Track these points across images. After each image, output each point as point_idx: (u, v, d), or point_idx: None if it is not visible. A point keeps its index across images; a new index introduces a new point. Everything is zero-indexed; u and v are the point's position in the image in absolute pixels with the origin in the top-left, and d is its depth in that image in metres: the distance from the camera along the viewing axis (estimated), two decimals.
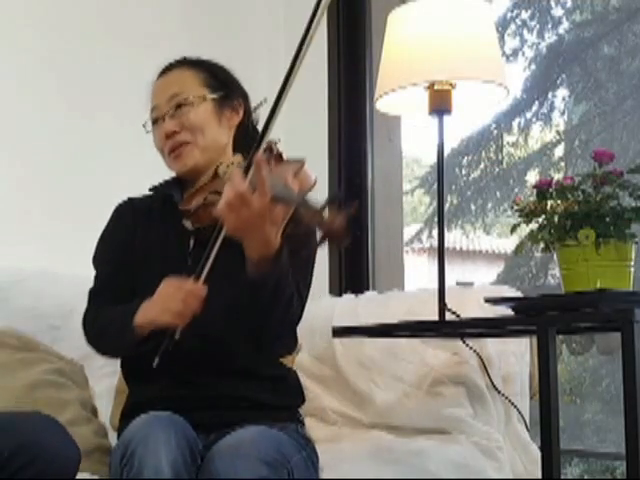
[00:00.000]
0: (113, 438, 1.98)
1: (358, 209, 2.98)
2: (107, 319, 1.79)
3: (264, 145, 1.63)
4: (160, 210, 1.89)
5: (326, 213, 1.48)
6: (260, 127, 1.75)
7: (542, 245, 1.86)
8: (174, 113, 1.86)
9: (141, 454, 1.46)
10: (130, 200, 1.96)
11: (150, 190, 1.94)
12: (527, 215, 1.86)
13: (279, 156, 1.70)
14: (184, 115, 1.86)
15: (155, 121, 1.89)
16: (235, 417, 1.67)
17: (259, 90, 1.96)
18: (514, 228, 1.94)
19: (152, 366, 1.69)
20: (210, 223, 1.66)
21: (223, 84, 1.92)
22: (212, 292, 1.64)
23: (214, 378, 1.75)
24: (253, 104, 1.96)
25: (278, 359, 1.87)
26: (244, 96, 1.96)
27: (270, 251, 1.57)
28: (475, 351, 2.16)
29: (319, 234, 1.48)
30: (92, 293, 1.88)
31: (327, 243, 1.50)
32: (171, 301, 1.63)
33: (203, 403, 1.72)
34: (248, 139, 1.91)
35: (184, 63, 1.94)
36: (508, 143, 3.38)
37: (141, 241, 1.87)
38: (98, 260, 1.91)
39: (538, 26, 3.20)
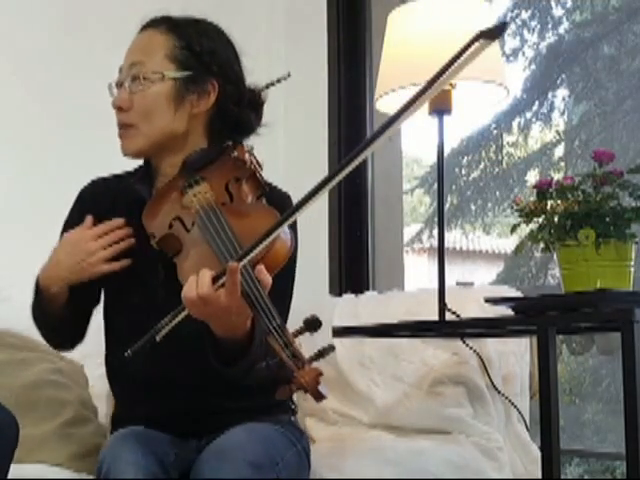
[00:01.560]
0: None
1: (358, 208, 2.99)
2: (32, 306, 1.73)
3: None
4: (126, 204, 1.71)
5: (298, 349, 1.29)
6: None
7: (542, 245, 1.86)
8: (130, 84, 1.67)
9: (112, 476, 1.48)
10: (93, 184, 1.81)
11: (116, 177, 1.80)
12: (527, 215, 1.86)
13: (252, 175, 1.56)
14: (136, 93, 1.66)
15: (117, 84, 1.71)
16: (226, 422, 1.61)
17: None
18: (514, 228, 1.94)
19: (137, 382, 1.67)
20: (173, 255, 1.55)
21: (197, 60, 1.68)
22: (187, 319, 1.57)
23: (200, 391, 1.66)
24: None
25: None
26: (225, 76, 1.69)
27: (237, 335, 1.45)
28: (475, 351, 2.15)
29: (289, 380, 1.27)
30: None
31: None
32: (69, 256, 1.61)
33: (192, 415, 1.67)
34: (228, 124, 1.72)
35: (162, 24, 1.71)
36: (508, 143, 3.37)
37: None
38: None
39: (538, 26, 3.20)
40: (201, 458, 1.52)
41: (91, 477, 1.82)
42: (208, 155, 1.68)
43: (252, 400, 1.68)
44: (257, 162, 1.59)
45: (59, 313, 1.70)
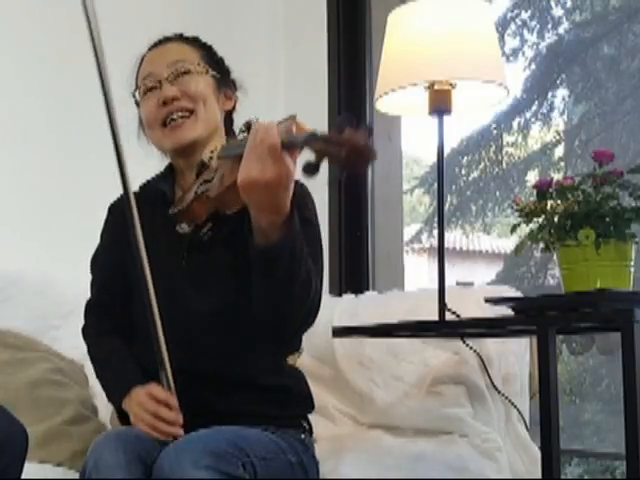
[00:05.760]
0: None
1: (358, 208, 2.99)
2: (102, 362, 1.79)
3: None
4: (151, 208, 1.77)
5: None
6: None
7: (542, 245, 1.86)
8: (174, 80, 1.75)
9: (94, 477, 1.49)
10: (120, 197, 1.83)
11: (140, 187, 1.86)
12: (527, 215, 1.86)
13: None
14: (186, 83, 1.75)
15: (150, 89, 1.77)
16: (229, 422, 1.62)
17: (259, 91, 1.96)
18: (514, 228, 1.94)
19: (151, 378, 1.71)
20: (208, 217, 1.59)
21: (220, 69, 1.84)
22: (201, 300, 1.60)
23: (211, 392, 1.69)
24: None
25: (281, 367, 1.79)
26: (234, 85, 1.87)
27: (280, 218, 1.47)
28: (475, 351, 2.15)
29: (338, 160, 1.31)
30: (88, 305, 1.85)
31: (350, 168, 1.31)
32: (143, 411, 1.59)
33: (202, 417, 1.65)
34: (231, 129, 1.85)
35: (181, 38, 1.85)
36: (508, 143, 3.38)
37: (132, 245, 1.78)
38: (92, 266, 1.87)
39: (538, 26, 3.20)
40: (163, 451, 1.51)
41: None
42: None
43: (263, 406, 1.70)
44: None
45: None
